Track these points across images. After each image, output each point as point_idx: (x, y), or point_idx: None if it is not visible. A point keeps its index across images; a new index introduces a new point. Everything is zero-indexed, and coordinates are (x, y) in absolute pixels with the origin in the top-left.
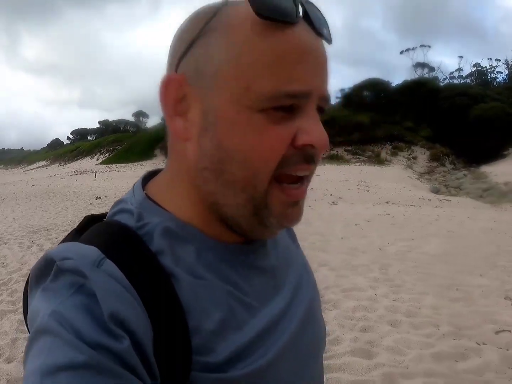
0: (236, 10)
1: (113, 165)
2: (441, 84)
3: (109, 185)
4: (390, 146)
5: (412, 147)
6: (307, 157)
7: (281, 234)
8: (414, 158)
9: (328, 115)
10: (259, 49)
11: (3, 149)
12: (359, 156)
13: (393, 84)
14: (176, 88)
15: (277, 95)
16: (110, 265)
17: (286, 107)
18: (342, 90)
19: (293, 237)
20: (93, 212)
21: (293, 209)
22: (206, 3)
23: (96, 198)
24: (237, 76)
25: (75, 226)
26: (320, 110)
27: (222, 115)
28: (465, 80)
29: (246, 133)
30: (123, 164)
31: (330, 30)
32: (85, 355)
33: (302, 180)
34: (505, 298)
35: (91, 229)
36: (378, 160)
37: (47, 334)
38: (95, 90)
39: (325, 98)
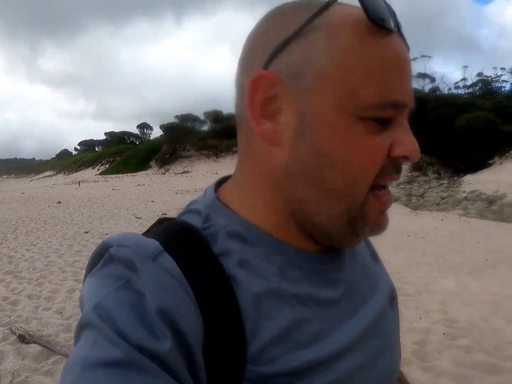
0: (340, 11)
1: (108, 176)
2: (442, 94)
3: (83, 193)
4: None
5: None
6: (398, 167)
7: (361, 249)
8: None
9: None
10: (364, 54)
11: (15, 158)
12: None
13: None
14: (267, 86)
15: (383, 104)
16: (167, 259)
17: (385, 119)
18: None
19: (374, 254)
20: (45, 210)
21: (384, 216)
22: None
23: (57, 202)
24: (343, 80)
25: (21, 219)
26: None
27: (322, 119)
28: (469, 90)
29: (347, 140)
30: (118, 175)
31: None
32: (123, 352)
33: (386, 187)
34: None
35: (158, 226)
36: None
37: (90, 327)
38: (109, 102)
39: (412, 109)
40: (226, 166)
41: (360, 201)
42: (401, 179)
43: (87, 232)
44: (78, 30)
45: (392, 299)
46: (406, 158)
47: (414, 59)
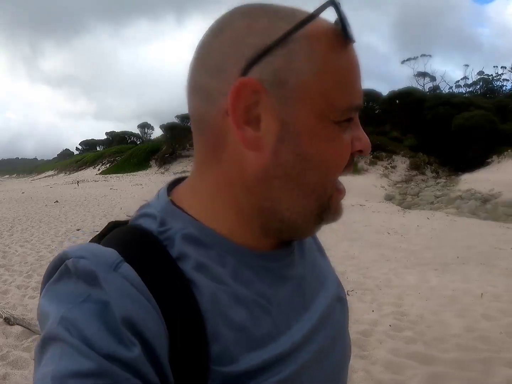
0: (315, 24)
1: (108, 175)
2: (440, 93)
3: (81, 192)
4: (371, 156)
5: (394, 156)
6: (352, 160)
7: (308, 244)
8: (393, 167)
9: None
10: (337, 65)
11: (17, 158)
12: None
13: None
14: (249, 94)
15: (350, 109)
16: (127, 269)
17: (350, 119)
18: None
19: (320, 249)
20: (42, 209)
21: (341, 204)
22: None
23: (55, 202)
24: (322, 91)
25: (18, 218)
26: None
27: (304, 125)
28: (470, 89)
29: (325, 142)
30: (119, 174)
31: None
32: (94, 362)
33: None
34: None
35: (112, 232)
36: (354, 170)
37: (57, 341)
38: (110, 102)
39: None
40: None
41: (330, 194)
42: (399, 178)
43: (78, 230)
44: (79, 30)
45: (339, 293)
46: (361, 152)
47: (415, 58)
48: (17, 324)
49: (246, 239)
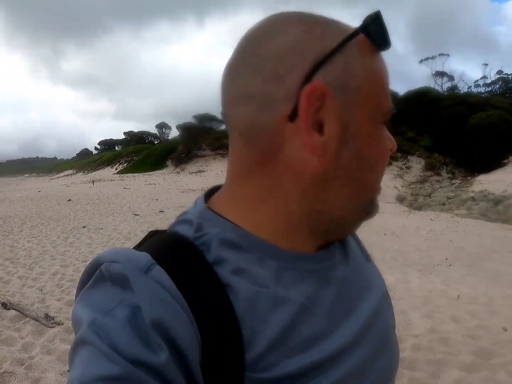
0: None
1: (125, 175)
2: (456, 93)
3: (95, 191)
4: None
5: (409, 157)
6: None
7: (353, 248)
8: (408, 167)
9: None
10: (380, 71)
11: (37, 157)
12: None
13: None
14: (317, 98)
15: (389, 110)
16: (159, 272)
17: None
18: None
19: (365, 253)
20: (54, 207)
21: (378, 200)
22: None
23: (67, 200)
24: (373, 95)
25: (29, 215)
26: None
27: (362, 128)
28: (489, 89)
29: (377, 142)
30: (135, 174)
31: None
32: (119, 367)
33: None
34: None
35: (150, 239)
36: None
37: (85, 345)
38: (130, 102)
39: None
40: None
41: (379, 191)
42: (413, 179)
43: (84, 227)
44: (100, 31)
45: (386, 297)
46: (391, 150)
47: (432, 57)
48: (13, 309)
49: (289, 242)
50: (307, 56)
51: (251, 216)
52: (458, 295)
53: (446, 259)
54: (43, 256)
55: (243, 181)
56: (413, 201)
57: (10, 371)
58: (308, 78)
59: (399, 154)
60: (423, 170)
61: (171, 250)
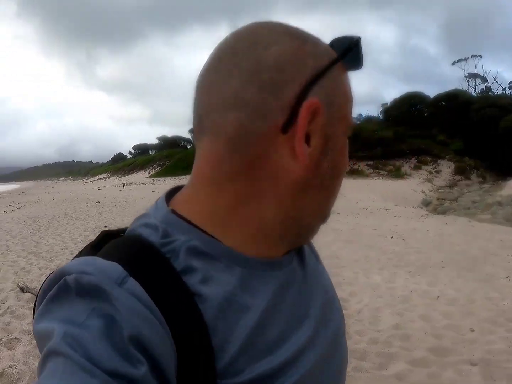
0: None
1: (156, 179)
2: (488, 95)
3: (124, 194)
4: (416, 160)
5: (439, 161)
6: None
7: (307, 250)
8: (438, 171)
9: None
10: (349, 88)
11: (73, 161)
12: (379, 171)
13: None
14: (312, 112)
15: (353, 127)
16: (133, 284)
17: None
18: (384, 104)
19: (316, 255)
20: (82, 209)
21: None
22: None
23: (96, 202)
24: (347, 112)
25: (57, 216)
26: None
27: (338, 141)
28: None
29: (345, 154)
30: (166, 178)
31: None
32: (99, 381)
33: None
34: None
35: (111, 243)
36: (397, 175)
37: (59, 356)
38: (164, 107)
39: None
40: None
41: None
42: (443, 183)
43: (105, 226)
44: (134, 37)
45: (334, 299)
46: None
47: (465, 59)
48: (29, 292)
49: (257, 249)
50: (303, 71)
51: (221, 222)
52: (438, 296)
53: (442, 261)
54: (63, 251)
55: (219, 186)
56: (438, 205)
57: (18, 338)
58: (304, 93)
59: (429, 158)
60: (453, 174)
61: (140, 259)
